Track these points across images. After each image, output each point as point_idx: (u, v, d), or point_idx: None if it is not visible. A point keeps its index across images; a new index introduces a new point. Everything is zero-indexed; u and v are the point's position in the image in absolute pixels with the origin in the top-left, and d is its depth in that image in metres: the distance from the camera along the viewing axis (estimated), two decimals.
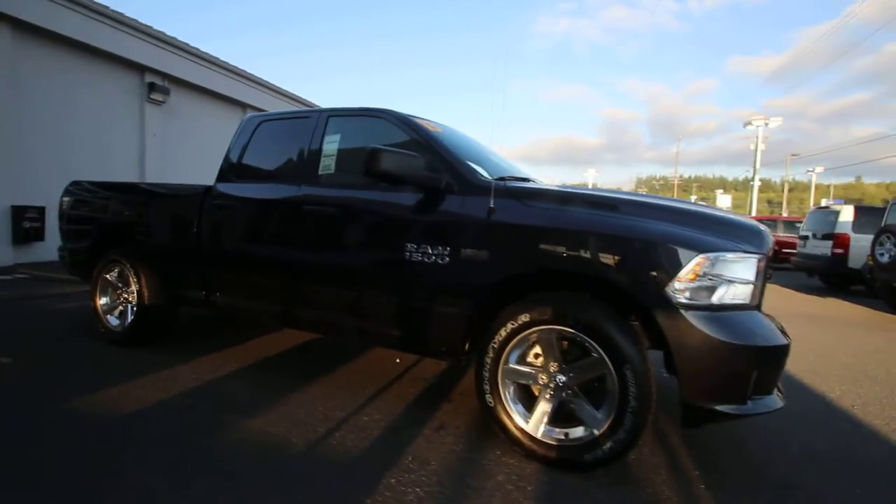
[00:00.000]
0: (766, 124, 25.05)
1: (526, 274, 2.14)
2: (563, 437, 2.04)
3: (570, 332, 2.00)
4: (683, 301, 1.84)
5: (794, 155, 28.40)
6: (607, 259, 1.95)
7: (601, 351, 1.93)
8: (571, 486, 1.91)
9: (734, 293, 1.90)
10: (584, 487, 1.91)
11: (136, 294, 3.40)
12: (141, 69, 8.87)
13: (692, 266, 1.85)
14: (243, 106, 11.55)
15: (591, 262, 1.98)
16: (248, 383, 2.85)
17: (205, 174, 10.68)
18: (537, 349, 2.15)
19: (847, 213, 8.94)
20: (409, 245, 2.35)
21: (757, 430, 2.52)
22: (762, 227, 2.18)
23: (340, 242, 2.65)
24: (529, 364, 2.16)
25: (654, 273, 1.88)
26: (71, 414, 2.35)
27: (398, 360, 3.43)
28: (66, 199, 3.97)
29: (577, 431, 2.02)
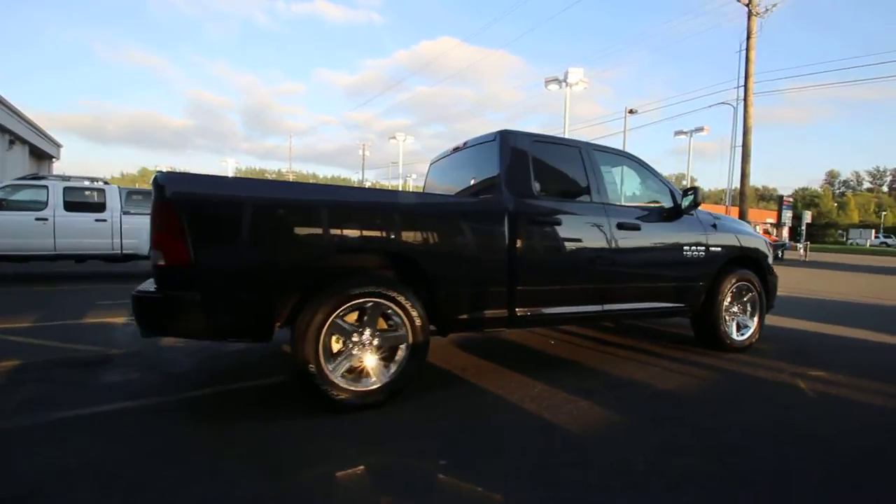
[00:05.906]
0: (405, 139, 37.37)
1: (736, 258, 4.10)
2: (744, 336, 4.17)
3: (745, 283, 4.14)
4: (770, 264, 4.39)
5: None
6: (759, 247, 4.26)
7: (756, 289, 4.20)
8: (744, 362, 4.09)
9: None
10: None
11: (411, 333, 2.83)
12: None
13: (769, 247, 4.43)
14: None
15: (751, 250, 4.26)
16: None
17: None
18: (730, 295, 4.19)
19: None
20: (685, 246, 3.82)
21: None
22: None
23: (644, 250, 3.80)
24: (732, 304, 4.15)
25: (767, 253, 4.33)
26: None
27: (553, 342, 4.40)
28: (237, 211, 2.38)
29: (745, 331, 4.21)
